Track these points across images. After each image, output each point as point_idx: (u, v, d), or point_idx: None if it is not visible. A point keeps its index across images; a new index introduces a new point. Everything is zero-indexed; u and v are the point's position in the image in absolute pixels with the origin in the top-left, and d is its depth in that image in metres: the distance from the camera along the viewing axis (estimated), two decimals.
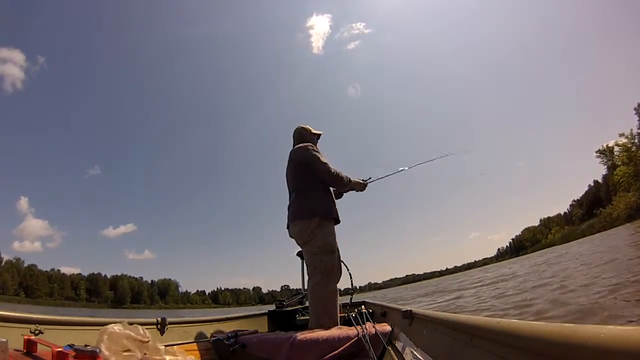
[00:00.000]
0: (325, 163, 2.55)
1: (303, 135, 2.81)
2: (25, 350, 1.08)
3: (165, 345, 1.62)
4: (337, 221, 2.59)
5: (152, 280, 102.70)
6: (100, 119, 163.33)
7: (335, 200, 2.67)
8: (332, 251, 2.42)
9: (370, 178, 2.88)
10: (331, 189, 2.67)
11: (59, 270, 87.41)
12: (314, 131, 2.86)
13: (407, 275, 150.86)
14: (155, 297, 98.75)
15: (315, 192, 2.55)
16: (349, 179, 2.64)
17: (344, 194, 2.84)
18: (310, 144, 2.67)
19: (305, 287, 3.28)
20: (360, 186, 2.79)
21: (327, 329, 2.08)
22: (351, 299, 2.68)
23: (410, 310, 1.82)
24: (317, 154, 2.59)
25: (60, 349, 1.04)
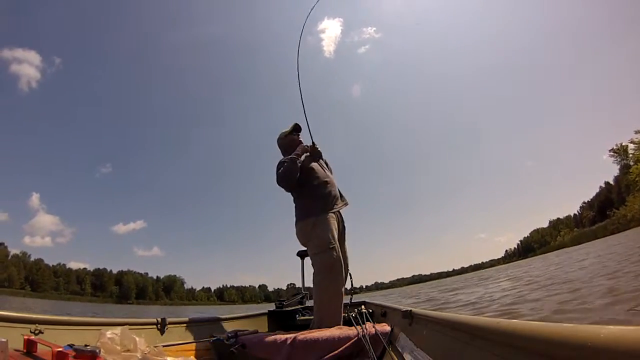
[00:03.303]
0: (277, 178, 2.57)
1: (282, 146, 2.85)
2: (25, 350, 1.08)
3: (165, 345, 1.63)
4: (336, 208, 2.57)
5: (157, 276, 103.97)
6: (112, 118, 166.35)
7: (334, 186, 2.67)
8: (329, 249, 2.38)
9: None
10: (327, 180, 2.66)
11: (64, 265, 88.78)
12: (285, 132, 2.86)
13: (414, 276, 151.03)
14: (160, 293, 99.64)
15: (303, 194, 2.60)
16: (291, 159, 2.57)
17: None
18: (282, 158, 2.69)
19: (306, 286, 3.29)
20: (314, 154, 2.72)
21: (328, 329, 2.08)
22: (351, 299, 2.67)
23: (410, 310, 1.81)
24: (279, 167, 2.60)
25: (60, 349, 1.04)
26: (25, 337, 1.13)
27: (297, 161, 2.59)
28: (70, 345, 1.11)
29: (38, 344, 1.11)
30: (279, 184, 2.61)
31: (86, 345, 1.13)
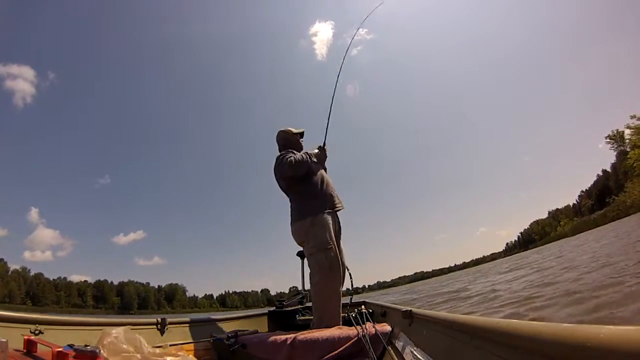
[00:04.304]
0: (284, 162, 2.55)
1: (285, 140, 2.85)
2: (25, 350, 1.08)
3: (165, 345, 1.63)
4: (334, 209, 2.59)
5: (159, 286, 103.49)
6: (109, 129, 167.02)
7: (332, 188, 2.68)
8: (326, 249, 2.38)
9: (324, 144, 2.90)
10: (321, 180, 2.66)
11: (65, 278, 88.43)
12: (294, 131, 2.88)
13: (415, 273, 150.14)
14: (162, 302, 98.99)
15: (302, 193, 2.60)
16: (308, 155, 2.61)
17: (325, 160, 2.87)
18: (280, 153, 2.68)
19: (306, 287, 3.28)
20: (321, 155, 2.82)
21: (328, 329, 2.07)
22: (351, 299, 2.66)
23: (410, 310, 1.80)
24: (280, 158, 2.61)
25: (60, 349, 1.04)
26: (25, 337, 1.13)
27: (311, 158, 2.63)
28: (70, 345, 1.11)
29: (38, 344, 1.11)
30: (283, 171, 2.58)
31: (86, 345, 1.13)
